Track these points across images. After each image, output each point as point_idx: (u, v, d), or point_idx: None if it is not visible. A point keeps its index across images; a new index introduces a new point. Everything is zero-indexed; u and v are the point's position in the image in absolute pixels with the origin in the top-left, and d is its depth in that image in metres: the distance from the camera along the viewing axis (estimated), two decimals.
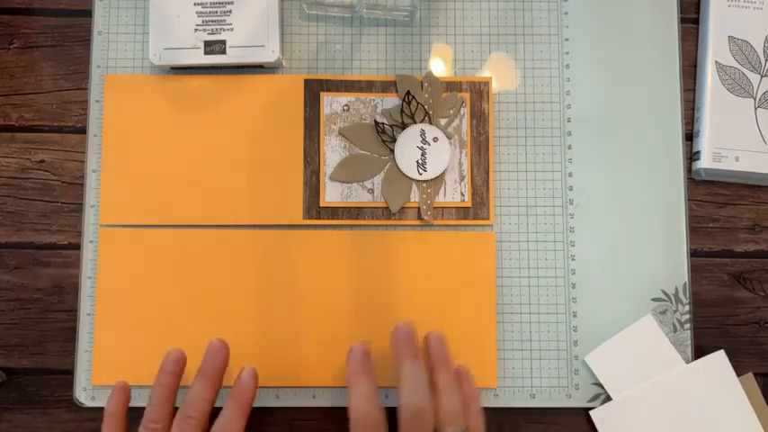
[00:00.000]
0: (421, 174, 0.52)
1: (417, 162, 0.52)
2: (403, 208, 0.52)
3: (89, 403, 0.51)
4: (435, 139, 0.52)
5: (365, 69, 0.54)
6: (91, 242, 0.52)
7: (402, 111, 0.53)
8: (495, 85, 0.54)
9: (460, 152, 0.53)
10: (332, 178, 0.53)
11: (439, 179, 0.53)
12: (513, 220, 0.53)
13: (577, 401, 0.52)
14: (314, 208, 0.52)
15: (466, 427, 0.44)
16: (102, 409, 0.50)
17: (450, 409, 0.44)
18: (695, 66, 0.55)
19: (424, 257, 0.52)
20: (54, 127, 0.54)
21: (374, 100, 0.53)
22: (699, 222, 0.54)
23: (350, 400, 0.44)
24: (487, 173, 0.53)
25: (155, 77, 0.53)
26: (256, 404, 0.50)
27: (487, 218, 0.53)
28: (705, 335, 0.53)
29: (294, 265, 0.52)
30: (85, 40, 0.54)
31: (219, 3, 0.52)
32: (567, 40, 0.55)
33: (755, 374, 0.52)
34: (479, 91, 0.54)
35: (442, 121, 0.53)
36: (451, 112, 0.53)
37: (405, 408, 0.43)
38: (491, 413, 0.52)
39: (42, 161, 0.53)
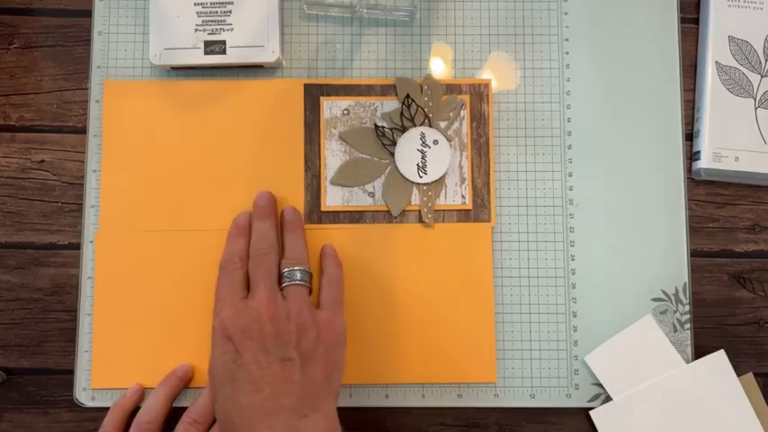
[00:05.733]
0: (421, 177, 0.52)
1: (418, 165, 0.52)
2: (404, 211, 0.52)
3: (89, 403, 0.51)
4: (435, 142, 0.52)
5: (365, 69, 0.54)
6: (91, 242, 0.52)
7: (402, 114, 0.53)
8: (494, 86, 0.54)
9: (461, 154, 0.53)
10: (333, 182, 0.53)
11: (439, 182, 0.52)
12: (513, 220, 0.53)
13: (577, 401, 0.52)
14: (315, 212, 0.52)
15: (311, 272, 0.48)
16: (102, 409, 0.50)
17: (291, 254, 0.49)
18: (695, 66, 0.55)
19: (422, 252, 0.52)
20: (54, 127, 0.54)
21: (374, 103, 0.53)
22: (699, 222, 0.54)
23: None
24: (488, 175, 0.53)
25: (155, 83, 0.53)
26: None
27: (488, 220, 0.53)
28: (705, 335, 0.53)
29: None
30: (85, 41, 0.54)
31: (219, 3, 0.52)
32: (567, 40, 0.55)
33: (755, 374, 0.52)
34: (479, 93, 0.54)
35: (442, 124, 0.53)
36: (451, 114, 0.53)
37: (250, 254, 0.48)
38: (491, 413, 0.52)
39: (42, 161, 0.53)
